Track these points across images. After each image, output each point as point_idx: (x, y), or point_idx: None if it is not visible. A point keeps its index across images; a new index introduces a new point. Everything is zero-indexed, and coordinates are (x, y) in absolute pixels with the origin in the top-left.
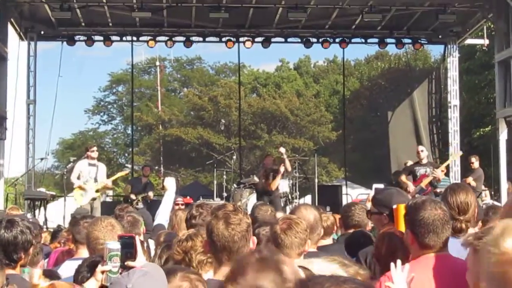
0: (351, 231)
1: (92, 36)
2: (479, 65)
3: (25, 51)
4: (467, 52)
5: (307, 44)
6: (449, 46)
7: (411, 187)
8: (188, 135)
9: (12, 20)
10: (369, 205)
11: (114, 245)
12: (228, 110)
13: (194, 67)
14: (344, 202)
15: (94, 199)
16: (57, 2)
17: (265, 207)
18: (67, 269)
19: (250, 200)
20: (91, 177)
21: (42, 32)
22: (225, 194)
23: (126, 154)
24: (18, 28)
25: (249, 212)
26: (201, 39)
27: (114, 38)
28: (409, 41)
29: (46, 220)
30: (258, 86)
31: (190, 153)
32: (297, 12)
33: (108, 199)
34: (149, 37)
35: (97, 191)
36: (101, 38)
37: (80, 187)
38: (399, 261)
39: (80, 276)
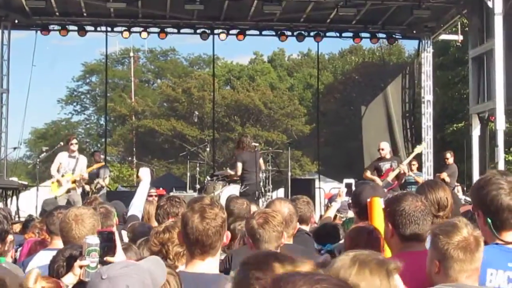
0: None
1: (67, 26)
2: (453, 60)
3: None
4: (441, 48)
5: (282, 37)
6: (423, 41)
7: (378, 181)
8: (162, 127)
9: None
10: (339, 200)
11: (93, 240)
12: (201, 102)
13: (168, 58)
14: (317, 196)
15: (69, 190)
16: None
17: (241, 200)
18: (42, 259)
19: (224, 192)
20: (70, 169)
21: (16, 21)
22: (198, 186)
23: (99, 145)
24: None
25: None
26: (175, 30)
27: (88, 28)
28: (384, 35)
29: (18, 209)
30: (232, 79)
31: (163, 145)
32: (272, 5)
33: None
34: (123, 28)
35: (73, 182)
36: (76, 28)
37: (57, 181)
38: None
39: (56, 265)
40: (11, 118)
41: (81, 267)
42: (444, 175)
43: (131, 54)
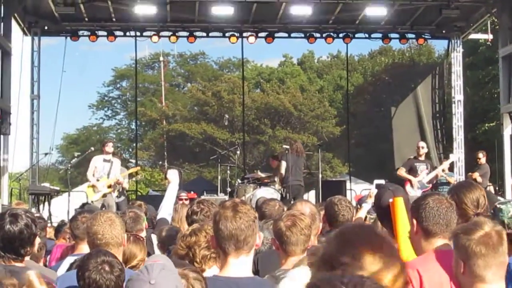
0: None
1: (96, 31)
2: (483, 60)
3: (29, 46)
4: (471, 47)
5: (310, 40)
6: (452, 41)
7: (414, 181)
8: (192, 130)
9: (15, 15)
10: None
11: None
12: (231, 105)
13: (198, 62)
14: (348, 197)
15: (105, 195)
16: None
17: (273, 202)
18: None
19: (255, 195)
20: (105, 173)
21: (46, 27)
22: (229, 189)
23: (130, 149)
24: (22, 23)
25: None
26: (204, 34)
27: (117, 33)
28: (413, 36)
29: (50, 215)
30: (262, 81)
31: (194, 148)
32: (300, 7)
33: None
34: (152, 32)
35: (109, 186)
36: (105, 33)
37: (93, 185)
38: None
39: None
40: (43, 124)
41: None
42: (476, 175)
43: (161, 58)
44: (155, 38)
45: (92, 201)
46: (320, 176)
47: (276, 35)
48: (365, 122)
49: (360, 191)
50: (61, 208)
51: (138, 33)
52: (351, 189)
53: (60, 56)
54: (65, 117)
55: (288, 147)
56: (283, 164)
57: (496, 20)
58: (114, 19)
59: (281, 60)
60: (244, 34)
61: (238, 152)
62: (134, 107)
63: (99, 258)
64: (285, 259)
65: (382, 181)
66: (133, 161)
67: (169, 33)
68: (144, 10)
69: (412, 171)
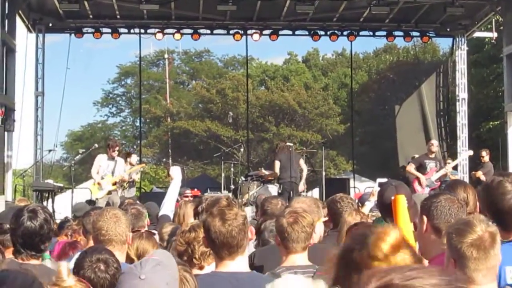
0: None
1: (100, 29)
2: (487, 58)
3: (33, 43)
4: (476, 45)
5: (315, 37)
6: (457, 39)
7: (423, 179)
8: (196, 128)
9: (20, 12)
10: (373, 199)
11: None
12: (236, 103)
13: (203, 59)
14: (352, 195)
15: (110, 192)
16: None
17: (275, 200)
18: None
19: (258, 192)
20: (109, 171)
21: (50, 24)
22: (232, 187)
23: (135, 146)
24: (26, 20)
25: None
26: (208, 31)
27: (122, 30)
28: (417, 34)
29: (53, 211)
30: (266, 79)
31: (198, 146)
32: (304, 5)
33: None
34: (156, 30)
35: (113, 184)
36: (109, 30)
37: (98, 183)
38: None
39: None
40: (47, 120)
41: None
42: (479, 173)
43: (166, 56)
44: (159, 35)
45: (96, 199)
46: (324, 173)
47: (281, 32)
48: (369, 120)
49: (364, 189)
50: (64, 205)
51: (142, 30)
52: (354, 187)
53: (64, 53)
54: (69, 114)
55: (291, 144)
56: (276, 163)
57: (500, 18)
58: (118, 16)
59: (285, 58)
60: (249, 32)
61: (242, 149)
62: (138, 104)
63: (94, 257)
64: (285, 255)
65: (385, 179)
66: (138, 158)
67: (174, 30)
68: (148, 7)
69: (422, 167)
